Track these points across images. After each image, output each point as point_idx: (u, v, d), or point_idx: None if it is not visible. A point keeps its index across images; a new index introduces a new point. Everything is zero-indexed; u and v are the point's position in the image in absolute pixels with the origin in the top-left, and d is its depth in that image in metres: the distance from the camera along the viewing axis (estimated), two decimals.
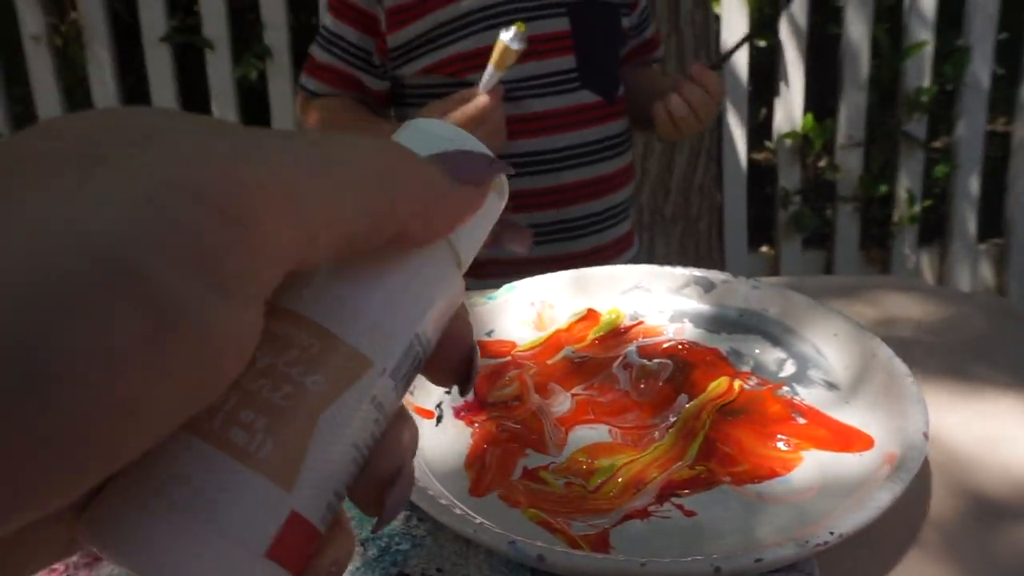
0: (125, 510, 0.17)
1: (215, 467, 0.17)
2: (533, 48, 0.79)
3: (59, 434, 0.13)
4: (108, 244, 0.13)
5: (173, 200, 0.14)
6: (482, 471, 0.39)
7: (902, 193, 1.89)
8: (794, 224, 1.91)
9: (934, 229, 1.96)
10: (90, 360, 0.13)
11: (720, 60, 0.87)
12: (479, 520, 0.32)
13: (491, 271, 0.66)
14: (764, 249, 2.05)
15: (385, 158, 0.18)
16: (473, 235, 0.23)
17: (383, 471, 0.20)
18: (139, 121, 0.15)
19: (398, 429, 0.20)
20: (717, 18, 1.78)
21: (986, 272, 1.97)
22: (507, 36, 0.72)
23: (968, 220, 1.91)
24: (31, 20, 1.77)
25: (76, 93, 1.92)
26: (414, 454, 0.21)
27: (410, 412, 0.22)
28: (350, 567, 0.34)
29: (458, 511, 0.33)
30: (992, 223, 1.96)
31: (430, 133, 0.22)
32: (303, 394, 0.18)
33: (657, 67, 1.00)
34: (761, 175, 2.00)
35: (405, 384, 0.21)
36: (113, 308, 0.13)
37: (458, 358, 0.22)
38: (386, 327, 0.20)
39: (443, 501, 0.34)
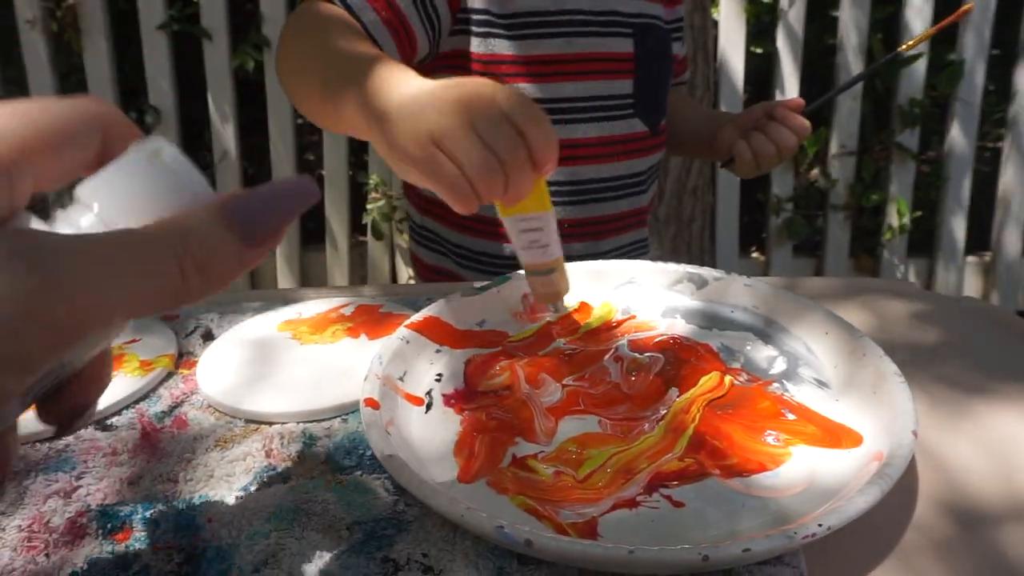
0: None
1: None
2: (596, 67, 0.75)
3: None
4: None
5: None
6: (470, 458, 0.39)
7: (893, 203, 1.91)
8: (785, 231, 1.92)
9: (923, 240, 1.98)
10: None
11: (813, 107, 0.82)
12: (467, 505, 0.32)
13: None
14: (755, 255, 2.06)
15: (179, 251, 0.21)
16: None
17: (75, 403, 0.24)
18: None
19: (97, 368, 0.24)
20: (715, 23, 1.79)
21: (972, 284, 1.99)
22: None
23: (956, 233, 1.93)
24: (26, 4, 1.76)
25: (71, 79, 1.90)
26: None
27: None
28: (335, 551, 0.34)
29: (446, 496, 0.33)
30: (981, 237, 1.98)
31: (165, 166, 0.23)
32: None
33: (683, 89, 0.96)
34: (754, 181, 2.00)
35: (34, 394, 0.24)
36: None
37: (74, 402, 0.24)
38: None
39: (431, 486, 0.33)
